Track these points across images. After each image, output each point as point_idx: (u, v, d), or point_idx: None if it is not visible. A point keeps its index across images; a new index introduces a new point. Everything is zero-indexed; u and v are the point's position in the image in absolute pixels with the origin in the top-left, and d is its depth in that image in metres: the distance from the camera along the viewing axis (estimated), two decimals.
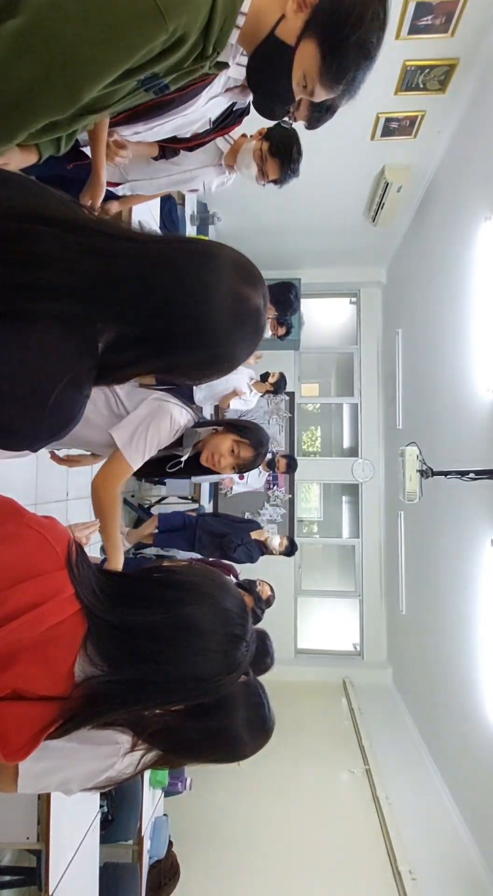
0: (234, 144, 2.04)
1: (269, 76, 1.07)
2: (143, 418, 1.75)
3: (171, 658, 0.83)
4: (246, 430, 1.99)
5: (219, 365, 0.82)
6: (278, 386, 4.55)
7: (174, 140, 1.68)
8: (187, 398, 1.92)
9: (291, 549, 4.51)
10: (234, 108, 1.62)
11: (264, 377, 4.52)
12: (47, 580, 0.82)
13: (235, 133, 2.03)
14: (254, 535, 4.29)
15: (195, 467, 1.99)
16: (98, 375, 0.78)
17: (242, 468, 2.03)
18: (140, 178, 2.01)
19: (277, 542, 4.42)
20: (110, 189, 2.04)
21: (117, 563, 1.83)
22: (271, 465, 4.74)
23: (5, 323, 0.70)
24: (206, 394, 4.13)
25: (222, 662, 0.86)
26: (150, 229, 0.81)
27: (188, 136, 1.64)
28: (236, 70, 1.16)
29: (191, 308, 0.75)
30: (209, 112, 1.51)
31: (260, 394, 4.54)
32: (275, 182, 2.13)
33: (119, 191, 2.08)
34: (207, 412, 4.81)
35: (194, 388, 4.04)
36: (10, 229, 0.70)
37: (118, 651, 0.82)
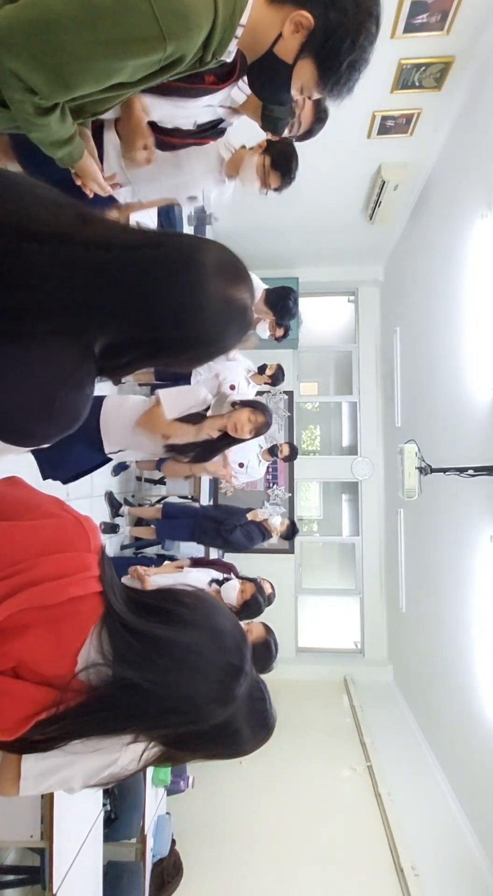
0: (235, 155, 2.16)
1: (269, 86, 1.16)
2: (180, 389, 2.75)
3: (172, 674, 0.84)
4: (255, 403, 3.09)
5: (210, 357, 0.88)
6: (276, 378, 4.52)
7: (155, 126, 1.69)
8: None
9: (291, 531, 4.42)
10: (219, 126, 1.65)
11: (262, 369, 4.50)
12: (77, 557, 0.85)
13: (236, 143, 2.20)
14: (249, 515, 4.26)
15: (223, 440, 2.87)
16: (98, 375, 0.83)
17: (258, 431, 2.94)
18: (143, 186, 2.08)
19: (277, 521, 4.38)
20: (112, 195, 2.07)
21: (179, 430, 2.60)
22: (273, 453, 4.73)
23: (6, 341, 0.74)
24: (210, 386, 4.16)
25: (219, 691, 0.87)
26: (133, 228, 0.83)
27: (170, 127, 1.66)
28: (237, 93, 1.21)
29: (180, 317, 0.79)
30: (199, 116, 1.53)
31: (257, 386, 4.53)
32: (276, 190, 2.40)
33: (120, 195, 2.10)
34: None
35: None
36: None
37: (127, 649, 0.83)
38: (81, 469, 2.52)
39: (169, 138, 1.72)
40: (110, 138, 1.90)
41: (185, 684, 0.85)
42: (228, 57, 1.10)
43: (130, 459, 3.04)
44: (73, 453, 2.37)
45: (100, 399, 2.52)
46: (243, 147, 2.18)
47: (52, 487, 3.65)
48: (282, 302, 3.84)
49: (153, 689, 0.83)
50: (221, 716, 0.89)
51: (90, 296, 0.76)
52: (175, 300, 0.78)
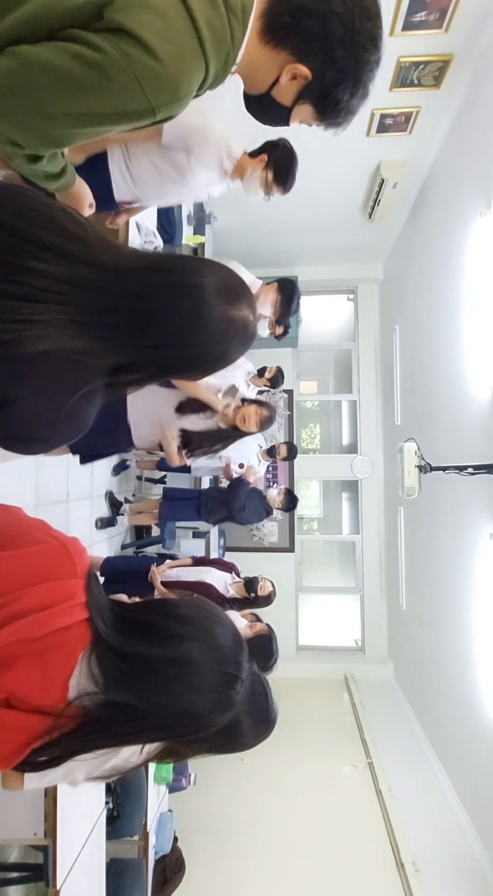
0: (239, 162, 2.20)
1: (267, 120, 1.18)
2: None
3: (167, 692, 0.85)
4: (263, 400, 3.38)
5: (215, 370, 0.92)
6: (276, 380, 4.52)
7: None
8: None
9: (290, 501, 4.40)
10: None
11: (261, 372, 4.50)
12: (62, 585, 0.85)
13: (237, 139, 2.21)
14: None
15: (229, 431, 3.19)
16: (108, 389, 0.86)
17: (263, 425, 3.22)
18: (151, 200, 2.12)
19: (274, 492, 4.37)
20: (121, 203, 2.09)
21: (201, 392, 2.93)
22: (272, 453, 4.73)
23: (16, 355, 0.76)
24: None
25: (217, 701, 0.88)
26: (137, 251, 0.86)
27: None
28: None
29: (186, 339, 0.82)
30: None
31: (257, 388, 4.52)
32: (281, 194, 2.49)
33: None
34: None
35: None
36: (5, 262, 0.74)
37: (117, 673, 0.83)
38: (103, 452, 2.99)
39: None
40: (115, 161, 1.94)
41: (181, 700, 0.85)
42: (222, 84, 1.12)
43: (141, 439, 3.11)
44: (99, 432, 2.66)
45: None
46: (246, 153, 2.22)
47: (51, 490, 3.66)
48: (288, 291, 3.82)
49: (149, 707, 0.84)
50: (223, 721, 0.90)
51: (92, 314, 0.78)
52: (180, 324, 0.82)
